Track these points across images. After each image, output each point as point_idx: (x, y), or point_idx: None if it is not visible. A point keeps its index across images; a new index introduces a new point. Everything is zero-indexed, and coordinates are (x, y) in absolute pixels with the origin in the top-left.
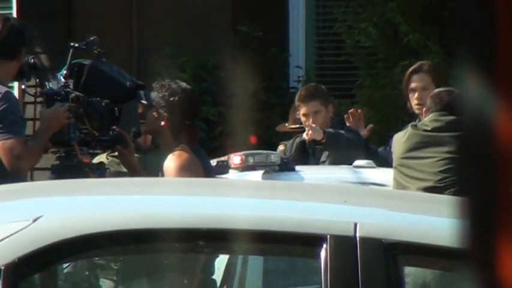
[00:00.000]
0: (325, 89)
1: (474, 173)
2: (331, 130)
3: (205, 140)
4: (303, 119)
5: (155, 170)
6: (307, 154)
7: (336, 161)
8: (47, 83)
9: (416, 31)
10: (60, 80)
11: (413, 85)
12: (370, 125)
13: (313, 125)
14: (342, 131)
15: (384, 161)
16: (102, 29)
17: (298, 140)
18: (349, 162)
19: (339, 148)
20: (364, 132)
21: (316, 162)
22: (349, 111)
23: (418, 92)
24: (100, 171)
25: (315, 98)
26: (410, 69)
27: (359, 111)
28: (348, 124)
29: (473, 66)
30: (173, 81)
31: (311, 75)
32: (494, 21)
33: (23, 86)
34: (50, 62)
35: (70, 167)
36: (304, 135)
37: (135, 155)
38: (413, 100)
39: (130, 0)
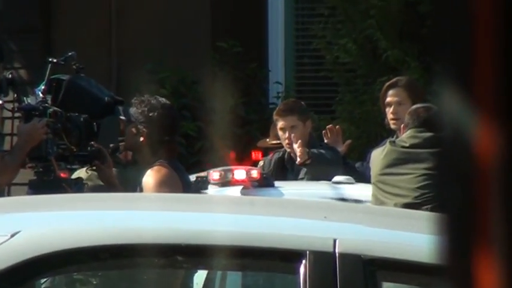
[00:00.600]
0: (303, 105)
1: (453, 189)
2: (315, 151)
3: (184, 155)
4: (280, 133)
5: (134, 185)
6: (286, 170)
7: (314, 178)
8: (25, 98)
9: (395, 47)
10: (39, 95)
11: (389, 99)
12: (348, 141)
13: (300, 148)
14: (322, 151)
15: (361, 177)
16: (82, 44)
17: (276, 156)
18: (327, 178)
19: (320, 167)
20: (342, 148)
21: (295, 178)
22: (327, 127)
23: (393, 107)
24: (78, 186)
25: (292, 113)
26: (387, 83)
27: (337, 127)
28: (325, 140)
29: (452, 82)
30: (152, 97)
31: (290, 91)
32: (472, 35)
33: (0, 101)
34: (29, 76)
35: (48, 182)
36: (295, 156)
37: (115, 169)
38: (389, 114)
39: (110, 15)
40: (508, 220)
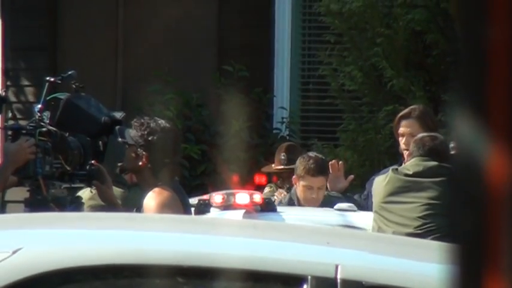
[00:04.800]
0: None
1: (464, 216)
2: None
3: (187, 177)
4: (306, 190)
5: (136, 206)
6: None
7: None
8: (41, 114)
9: (400, 76)
10: (37, 114)
11: (401, 130)
12: (351, 176)
13: None
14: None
15: (361, 208)
16: (88, 63)
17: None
18: None
19: None
20: (344, 183)
21: None
22: (330, 162)
23: (405, 138)
24: (74, 205)
25: (322, 174)
26: (400, 113)
27: (340, 163)
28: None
29: (465, 108)
30: (152, 120)
31: (295, 116)
32: (487, 65)
33: None
34: (36, 95)
35: (39, 201)
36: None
37: (120, 189)
38: (401, 145)
39: (116, 35)
40: None
